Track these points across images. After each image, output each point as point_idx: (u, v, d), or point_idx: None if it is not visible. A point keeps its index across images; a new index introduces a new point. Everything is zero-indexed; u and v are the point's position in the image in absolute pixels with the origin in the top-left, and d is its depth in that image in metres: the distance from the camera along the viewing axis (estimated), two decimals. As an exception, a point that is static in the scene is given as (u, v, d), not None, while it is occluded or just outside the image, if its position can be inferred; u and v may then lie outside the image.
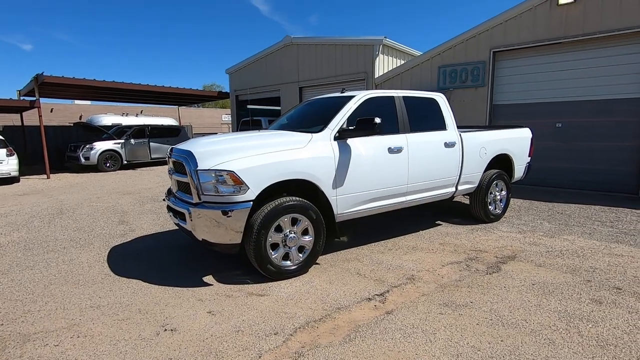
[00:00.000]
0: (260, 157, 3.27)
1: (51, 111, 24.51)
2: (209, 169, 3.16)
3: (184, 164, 3.36)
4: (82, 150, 12.86)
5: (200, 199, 3.24)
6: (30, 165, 14.68)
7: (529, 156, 5.85)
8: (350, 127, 3.75)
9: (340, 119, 3.80)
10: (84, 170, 13.24)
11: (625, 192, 7.17)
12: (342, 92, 4.49)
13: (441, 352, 2.33)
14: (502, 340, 2.43)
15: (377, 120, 3.55)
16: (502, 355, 2.27)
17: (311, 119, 4.26)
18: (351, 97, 4.08)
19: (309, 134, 3.65)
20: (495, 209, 5.39)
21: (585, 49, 7.37)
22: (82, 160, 12.80)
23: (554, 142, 7.91)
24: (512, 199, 6.46)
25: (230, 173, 3.11)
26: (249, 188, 3.16)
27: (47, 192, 8.78)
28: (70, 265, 3.92)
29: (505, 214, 5.67)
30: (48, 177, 11.35)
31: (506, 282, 3.33)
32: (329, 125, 3.74)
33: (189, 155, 3.31)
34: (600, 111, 7.34)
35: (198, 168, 3.19)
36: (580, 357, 2.24)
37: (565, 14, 7.38)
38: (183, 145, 3.67)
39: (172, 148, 3.93)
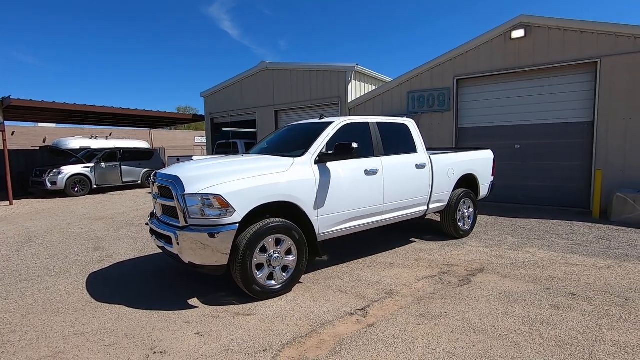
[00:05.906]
0: (246, 181, 3.44)
1: (12, 134, 23.45)
2: (195, 193, 3.29)
3: (170, 189, 3.46)
4: (48, 174, 12.36)
5: (187, 222, 3.33)
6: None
7: (492, 175, 6.34)
8: (329, 152, 4.01)
9: (320, 144, 4.05)
10: (50, 196, 12.68)
11: (577, 207, 7.84)
12: (321, 118, 4.77)
13: (420, 359, 2.52)
14: (474, 345, 2.66)
15: (355, 145, 3.83)
16: (475, 359, 2.49)
17: (291, 144, 4.49)
18: (329, 123, 4.37)
19: (291, 158, 3.87)
20: (464, 225, 5.77)
21: (537, 78, 8.17)
22: (49, 185, 12.29)
23: (513, 162, 8.57)
24: (478, 216, 6.90)
25: (217, 197, 3.25)
26: (235, 211, 3.30)
27: (12, 220, 8.38)
28: (47, 294, 3.83)
29: (473, 230, 6.07)
30: (11, 204, 10.80)
31: (476, 293, 3.61)
32: (309, 150, 3.98)
33: (176, 180, 3.42)
34: (552, 133, 8.08)
35: (185, 192, 3.31)
36: (541, 357, 2.50)
37: (517, 47, 8.20)
38: (168, 170, 3.77)
39: (155, 172, 4.01)
